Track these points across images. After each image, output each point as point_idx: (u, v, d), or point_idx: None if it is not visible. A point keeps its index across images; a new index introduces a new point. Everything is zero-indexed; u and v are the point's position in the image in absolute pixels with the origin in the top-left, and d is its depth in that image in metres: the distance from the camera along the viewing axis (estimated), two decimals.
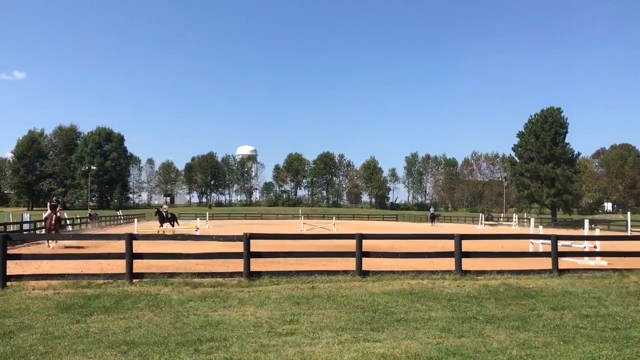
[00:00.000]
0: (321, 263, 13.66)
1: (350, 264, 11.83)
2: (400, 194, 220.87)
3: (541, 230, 19.80)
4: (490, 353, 5.82)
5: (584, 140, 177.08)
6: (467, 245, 12.53)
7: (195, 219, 44.68)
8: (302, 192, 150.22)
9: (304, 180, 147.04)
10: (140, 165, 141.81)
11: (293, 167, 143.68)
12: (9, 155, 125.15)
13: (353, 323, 7.19)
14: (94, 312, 7.79)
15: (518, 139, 68.70)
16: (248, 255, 11.07)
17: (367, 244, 11.92)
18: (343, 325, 7.06)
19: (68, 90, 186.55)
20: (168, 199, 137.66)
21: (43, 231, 22.07)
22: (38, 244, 21.00)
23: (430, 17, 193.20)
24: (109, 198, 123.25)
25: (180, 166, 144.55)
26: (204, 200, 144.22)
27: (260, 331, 6.71)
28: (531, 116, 67.46)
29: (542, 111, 66.61)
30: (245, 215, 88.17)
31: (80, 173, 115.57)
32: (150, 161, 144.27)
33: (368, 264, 11.86)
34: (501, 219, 64.13)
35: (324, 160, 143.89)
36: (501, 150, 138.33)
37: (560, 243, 13.20)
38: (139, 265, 11.22)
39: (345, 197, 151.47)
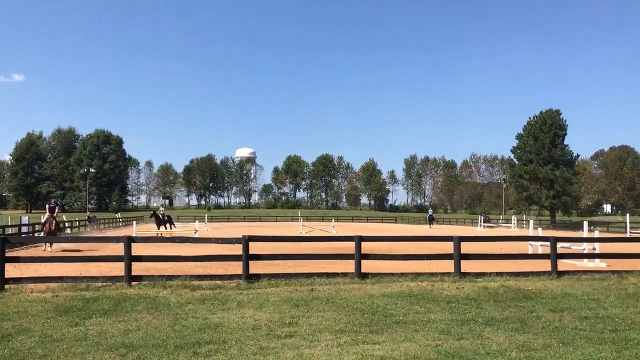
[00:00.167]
0: (320, 265, 13.65)
1: (349, 266, 11.82)
2: (399, 196, 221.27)
3: (540, 232, 19.78)
4: (490, 355, 5.81)
5: (583, 142, 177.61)
6: (466, 248, 12.52)
7: (194, 222, 44.68)
8: (301, 194, 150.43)
9: (303, 183, 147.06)
10: (139, 168, 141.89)
11: (292, 169, 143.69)
12: (7, 157, 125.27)
13: (352, 325, 7.19)
14: (93, 314, 7.78)
15: (517, 141, 68.72)
16: (247, 257, 11.06)
17: (366, 246, 11.91)
18: (342, 327, 7.06)
19: (67, 92, 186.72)
20: (166, 201, 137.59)
21: (42, 234, 21.98)
22: (36, 246, 20.95)
23: (429, 18, 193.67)
24: (107, 201, 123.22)
25: (179, 168, 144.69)
26: (202, 202, 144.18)
27: (259, 334, 6.70)
28: (530, 118, 67.51)
29: (540, 113, 66.65)
30: (244, 218, 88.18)
31: (79, 176, 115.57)
32: (149, 164, 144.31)
33: (367, 266, 11.85)
34: (500, 221, 64.17)
35: (322, 162, 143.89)
36: (500, 152, 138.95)
37: (559, 245, 13.20)
38: (137, 268, 11.20)
39: (344, 199, 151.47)
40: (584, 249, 15.62)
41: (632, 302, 9.14)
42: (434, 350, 5.95)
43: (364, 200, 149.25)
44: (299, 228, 41.13)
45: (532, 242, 17.70)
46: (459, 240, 11.94)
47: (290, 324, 7.25)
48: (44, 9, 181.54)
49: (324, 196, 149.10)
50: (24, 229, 27.42)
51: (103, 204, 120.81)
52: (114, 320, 7.45)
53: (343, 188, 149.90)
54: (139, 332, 6.75)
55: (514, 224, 51.45)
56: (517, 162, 69.05)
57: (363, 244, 11.67)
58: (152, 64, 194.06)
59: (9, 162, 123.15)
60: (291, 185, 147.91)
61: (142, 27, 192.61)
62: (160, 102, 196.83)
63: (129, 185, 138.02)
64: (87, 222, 41.97)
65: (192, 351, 5.89)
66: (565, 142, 65.42)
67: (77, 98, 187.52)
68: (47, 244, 19.62)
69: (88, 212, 55.90)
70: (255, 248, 11.68)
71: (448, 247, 12.18)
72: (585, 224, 18.69)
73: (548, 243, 13.06)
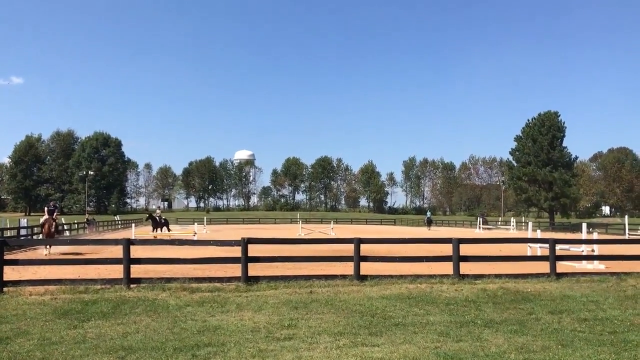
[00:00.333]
0: (319, 268, 13.63)
1: (348, 268, 11.81)
2: (398, 198, 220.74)
3: (539, 234, 19.78)
4: (489, 357, 5.81)
5: (582, 144, 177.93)
6: (465, 249, 12.53)
7: (193, 224, 44.60)
8: (300, 197, 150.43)
9: (302, 185, 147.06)
10: (138, 170, 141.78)
11: (291, 171, 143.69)
12: (6, 160, 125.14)
13: (351, 328, 7.18)
14: (92, 317, 7.76)
15: (515, 143, 68.81)
16: (246, 260, 11.06)
17: (365, 249, 11.92)
18: (341, 329, 7.05)
19: (65, 95, 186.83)
20: (165, 203, 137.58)
21: (40, 236, 21.86)
22: (35, 249, 20.91)
23: (428, 21, 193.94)
24: (106, 203, 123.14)
25: (178, 171, 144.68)
26: (201, 205, 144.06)
27: (258, 336, 6.69)
28: (528, 120, 67.60)
29: (539, 115, 66.74)
30: (243, 220, 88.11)
31: (78, 178, 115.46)
32: (148, 166, 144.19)
33: (366, 268, 11.85)
34: (499, 223, 64.23)
35: (321, 165, 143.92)
36: (499, 154, 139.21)
37: (558, 247, 13.20)
38: (136, 271, 11.19)
39: (343, 202, 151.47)
40: (582, 251, 15.62)
41: (631, 303, 9.15)
42: (433, 352, 5.95)
43: (363, 202, 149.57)
44: (298, 230, 41.09)
45: (531, 244, 17.70)
46: (457, 242, 11.95)
47: (289, 326, 7.25)
48: (43, 11, 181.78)
49: (323, 198, 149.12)
50: (23, 232, 27.38)
51: (102, 207, 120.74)
52: (112, 322, 7.44)
53: (342, 190, 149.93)
54: (137, 334, 6.75)
55: (513, 225, 51.47)
56: (515, 164, 69.14)
57: (362, 246, 11.67)
58: (150, 66, 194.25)
59: (8, 165, 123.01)
60: (290, 188, 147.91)
61: (141, 29, 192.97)
62: (159, 104, 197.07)
63: (128, 188, 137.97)
64: (86, 225, 41.91)
65: (191, 354, 5.89)
66: (564, 144, 65.57)
67: (76, 100, 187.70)
68: (46, 247, 19.42)
69: (87, 215, 55.78)
70: (254, 250, 11.68)
71: (447, 249, 12.18)
72: (584, 225, 18.69)
73: (547, 245, 13.07)
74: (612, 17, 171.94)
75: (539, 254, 16.16)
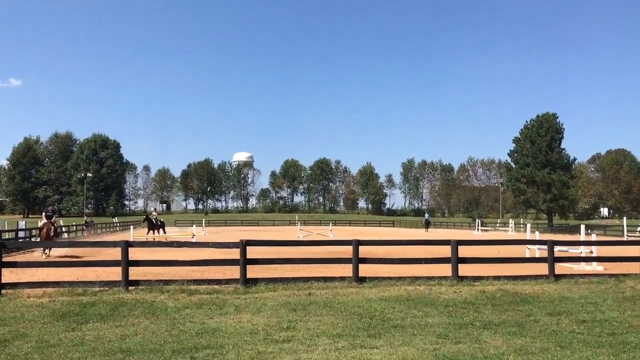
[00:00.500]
0: (318, 269, 13.62)
1: (347, 270, 11.81)
2: (396, 199, 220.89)
3: (537, 236, 19.81)
4: (487, 359, 5.82)
5: (580, 145, 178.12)
6: (464, 251, 12.53)
7: (192, 226, 44.59)
8: (298, 199, 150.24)
9: (301, 187, 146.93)
10: (136, 172, 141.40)
11: (289, 173, 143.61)
12: (4, 162, 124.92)
13: (350, 330, 7.18)
14: (90, 319, 7.75)
15: (514, 145, 68.95)
16: (244, 262, 11.05)
17: (364, 250, 11.91)
18: (340, 331, 7.05)
19: (64, 97, 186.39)
20: (164, 205, 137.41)
21: (38, 239, 21.77)
22: (33, 251, 20.86)
23: (425, 24, 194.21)
24: (104, 205, 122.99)
25: (177, 173, 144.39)
26: (200, 207, 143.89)
27: (256, 338, 6.69)
28: (527, 122, 67.75)
29: (537, 117, 66.89)
30: (242, 222, 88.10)
31: (76, 180, 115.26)
32: (146, 168, 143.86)
33: (365, 270, 11.84)
34: (497, 225, 64.26)
35: (320, 167, 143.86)
36: (497, 156, 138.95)
37: (556, 248, 13.21)
38: (134, 273, 11.18)
39: (341, 203, 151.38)
40: (581, 253, 15.64)
41: (629, 305, 9.15)
42: (431, 354, 5.95)
43: (362, 204, 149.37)
44: (296, 232, 41.09)
45: (529, 246, 17.72)
46: (456, 243, 11.95)
47: (287, 328, 7.24)
48: (42, 13, 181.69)
49: (321, 200, 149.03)
50: (21, 234, 27.33)
51: (100, 209, 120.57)
52: (111, 325, 7.43)
53: (340, 192, 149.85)
54: (136, 337, 6.74)
55: (512, 227, 51.51)
56: (514, 166, 69.28)
57: (360, 247, 11.66)
58: (149, 68, 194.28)
59: (6, 167, 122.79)
60: (289, 190, 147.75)
61: (139, 31, 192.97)
62: (157, 106, 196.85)
63: (127, 190, 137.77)
64: (85, 227, 41.88)
65: (190, 356, 5.88)
66: (562, 146, 65.79)
67: (74, 102, 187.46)
68: (45, 249, 19.28)
69: (85, 217, 55.73)
70: (252, 252, 11.66)
71: (445, 251, 12.18)
72: (583, 227, 18.72)
73: (545, 246, 13.07)
74: (610, 20, 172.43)
75: (537, 255, 16.17)
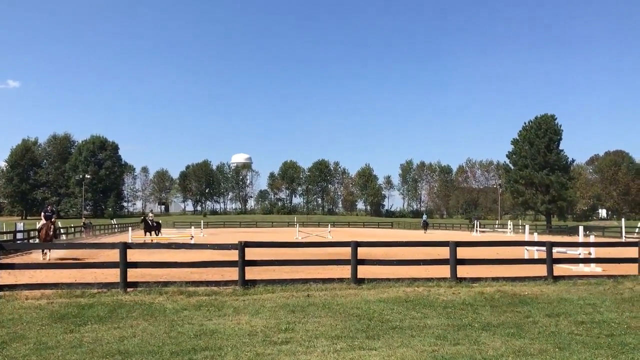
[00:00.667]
0: (316, 271, 13.63)
1: (345, 271, 11.80)
2: (395, 201, 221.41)
3: (536, 237, 19.82)
4: None
5: (578, 147, 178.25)
6: (462, 253, 12.53)
7: (190, 228, 44.57)
8: (297, 200, 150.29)
9: (299, 188, 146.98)
10: (135, 174, 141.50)
11: (288, 174, 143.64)
12: (2, 164, 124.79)
13: (348, 331, 7.17)
14: (88, 321, 7.74)
15: (512, 146, 69.04)
16: (243, 263, 11.04)
17: (363, 252, 11.91)
18: (338, 333, 7.04)
19: (62, 98, 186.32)
20: (162, 207, 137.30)
21: (37, 241, 21.59)
22: (30, 253, 20.76)
23: (424, 25, 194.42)
24: (103, 207, 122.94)
25: (175, 174, 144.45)
26: (198, 208, 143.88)
27: (255, 340, 6.68)
28: (525, 123, 67.84)
29: (536, 118, 66.99)
30: (240, 224, 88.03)
31: (75, 182, 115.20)
32: (145, 169, 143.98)
33: (363, 271, 11.84)
34: (496, 226, 64.29)
35: (319, 168, 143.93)
36: (496, 158, 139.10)
37: (555, 250, 13.21)
38: (133, 274, 11.17)
39: (340, 205, 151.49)
40: (579, 254, 15.65)
41: (627, 306, 9.16)
42: (430, 356, 5.95)
43: (360, 205, 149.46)
44: (295, 234, 41.05)
45: (528, 247, 17.74)
46: (455, 245, 11.95)
47: (286, 330, 7.23)
48: (40, 14, 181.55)
49: (320, 202, 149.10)
50: (19, 236, 27.29)
51: (99, 210, 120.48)
52: (109, 327, 7.41)
53: (339, 193, 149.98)
54: (134, 338, 6.73)
55: (510, 228, 51.54)
56: (512, 167, 69.35)
57: (359, 249, 11.66)
58: (147, 70, 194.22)
59: (4, 169, 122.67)
60: (287, 191, 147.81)
61: (138, 33, 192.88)
62: (156, 108, 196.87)
63: (125, 192, 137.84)
64: (83, 229, 41.80)
65: (188, 358, 5.87)
66: (561, 147, 65.88)
67: (72, 104, 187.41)
68: (43, 252, 18.91)
69: (83, 219, 55.64)
70: (251, 254, 11.67)
71: (444, 253, 12.18)
72: (581, 228, 18.75)
73: (544, 248, 13.08)
74: (608, 21, 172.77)
75: (536, 257, 16.18)
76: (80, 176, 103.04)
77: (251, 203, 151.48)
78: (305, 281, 11.31)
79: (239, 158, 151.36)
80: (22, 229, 30.22)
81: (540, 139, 64.54)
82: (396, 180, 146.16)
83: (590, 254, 15.31)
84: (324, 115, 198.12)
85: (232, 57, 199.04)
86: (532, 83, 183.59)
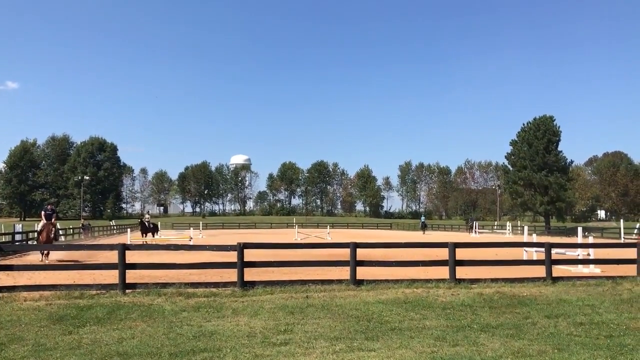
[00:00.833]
0: (315, 272, 13.62)
1: (344, 273, 11.80)
2: (394, 202, 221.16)
3: (535, 238, 19.82)
4: None
5: (577, 148, 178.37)
6: (461, 254, 12.53)
7: (189, 229, 44.56)
8: (296, 201, 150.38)
9: (298, 189, 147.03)
10: (134, 175, 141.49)
11: (287, 176, 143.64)
12: (1, 165, 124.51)
13: (347, 332, 7.17)
14: (87, 323, 7.73)
15: (511, 147, 69.03)
16: (242, 264, 11.03)
17: (361, 253, 11.90)
18: (337, 334, 7.04)
19: (61, 100, 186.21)
20: (161, 208, 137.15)
21: (36, 242, 21.33)
22: (28, 254, 20.71)
23: (423, 27, 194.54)
24: (102, 208, 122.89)
25: (174, 176, 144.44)
26: (197, 209, 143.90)
27: (254, 341, 6.67)
28: (524, 124, 67.83)
29: (534, 119, 66.98)
30: (239, 225, 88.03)
31: (73, 183, 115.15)
32: (144, 171, 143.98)
33: (362, 272, 11.83)
34: (495, 227, 64.28)
35: (318, 169, 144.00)
36: (494, 159, 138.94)
37: (554, 251, 13.21)
38: (131, 276, 11.15)
39: (339, 206, 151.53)
40: (578, 255, 15.66)
41: (626, 307, 9.16)
42: (429, 357, 5.95)
43: (359, 206, 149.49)
44: (294, 235, 41.04)
45: (526, 248, 17.74)
46: (453, 246, 11.94)
47: (285, 331, 7.23)
48: (39, 16, 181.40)
49: (319, 203, 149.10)
50: (18, 237, 27.25)
51: (97, 212, 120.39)
52: (108, 328, 7.40)
53: (338, 195, 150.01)
54: (133, 340, 6.72)
55: (509, 230, 51.56)
56: (511, 169, 69.35)
57: (358, 250, 11.65)
58: (146, 71, 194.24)
59: (3, 170, 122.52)
60: (286, 192, 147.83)
61: (137, 35, 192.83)
62: (155, 109, 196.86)
63: (124, 193, 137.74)
64: (81, 230, 41.74)
65: (187, 359, 5.87)
66: (559, 149, 65.83)
67: (71, 105, 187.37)
68: (44, 253, 18.34)
69: (82, 220, 55.58)
70: (250, 255, 11.65)
71: (443, 254, 12.18)
72: (580, 229, 18.77)
73: (543, 249, 13.08)
74: (607, 23, 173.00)
75: (534, 258, 16.18)
76: (79, 177, 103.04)
77: (250, 204, 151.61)
78: (304, 282, 11.30)
79: (238, 159, 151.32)
80: (20, 231, 30.19)
81: (539, 140, 64.55)
82: (395, 181, 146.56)
83: (589, 255, 15.31)
84: (323, 116, 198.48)
85: (231, 58, 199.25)
86: (531, 84, 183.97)
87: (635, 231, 44.18)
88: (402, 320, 8.00)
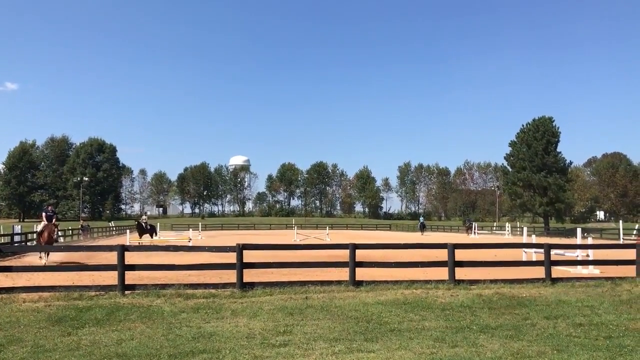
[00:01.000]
0: (314, 273, 13.62)
1: (343, 274, 11.80)
2: (393, 203, 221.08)
3: (534, 239, 19.84)
4: None
5: (576, 149, 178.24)
6: (460, 255, 12.53)
7: (188, 230, 44.54)
8: (295, 202, 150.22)
9: (297, 190, 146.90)
10: (133, 176, 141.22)
11: (286, 177, 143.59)
12: (0, 166, 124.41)
13: (347, 333, 7.17)
14: (86, 324, 7.72)
15: (510, 148, 69.10)
16: (241, 266, 11.02)
17: (361, 254, 11.90)
18: (337, 335, 7.04)
19: (60, 101, 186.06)
20: (160, 209, 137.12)
21: (34, 243, 21.24)
22: (26, 255, 20.67)
23: (422, 28, 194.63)
24: (101, 209, 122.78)
25: (173, 177, 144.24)
26: (196, 210, 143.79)
27: (253, 342, 6.67)
28: (523, 125, 67.89)
29: (533, 120, 67.05)
30: (239, 226, 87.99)
31: (72, 184, 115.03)
32: (143, 172, 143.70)
33: (361, 273, 11.83)
34: (494, 228, 64.32)
35: (317, 170, 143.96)
36: (493, 160, 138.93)
37: (553, 252, 13.22)
38: (130, 277, 11.13)
39: (338, 207, 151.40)
40: (577, 256, 15.67)
41: (625, 308, 9.16)
42: (428, 358, 5.95)
43: (359, 208, 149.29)
44: (293, 236, 41.04)
45: (526, 249, 17.75)
46: (453, 247, 11.95)
47: (284, 332, 7.23)
48: (38, 17, 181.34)
49: (318, 204, 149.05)
50: (17, 238, 27.23)
51: (96, 213, 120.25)
52: (107, 329, 7.40)
53: (337, 196, 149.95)
54: (132, 341, 6.71)
55: (508, 231, 51.59)
56: (510, 170, 69.40)
57: (357, 251, 11.65)
58: (145, 72, 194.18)
59: (2, 171, 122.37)
60: (285, 193, 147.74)
61: (137, 35, 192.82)
62: (154, 110, 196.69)
63: (123, 194, 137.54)
64: (80, 231, 41.75)
65: None
66: (558, 149, 65.90)
67: (70, 106, 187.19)
68: (44, 255, 18.13)
69: (81, 221, 55.53)
70: (249, 256, 11.65)
71: (442, 255, 12.18)
72: (579, 230, 18.78)
73: (542, 250, 13.08)
74: (607, 24, 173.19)
75: (534, 259, 16.18)
76: (78, 179, 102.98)
77: (249, 205, 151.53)
78: (303, 283, 11.30)
79: (237, 160, 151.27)
80: (19, 232, 30.16)
81: (538, 141, 64.61)
82: (394, 182, 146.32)
83: (588, 255, 15.32)
84: (322, 117, 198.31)
85: (231, 58, 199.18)
86: (530, 85, 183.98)
87: (634, 232, 44.22)
88: (401, 321, 8.00)
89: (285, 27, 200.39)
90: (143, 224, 33.09)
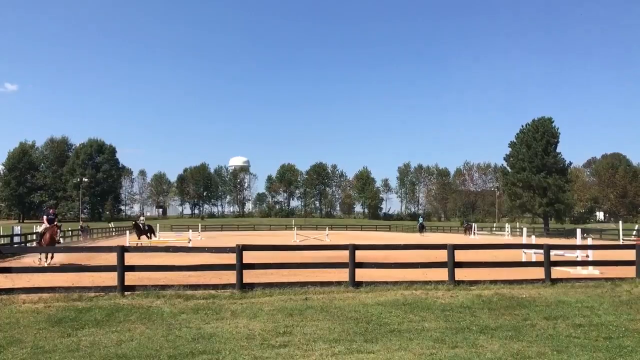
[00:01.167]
0: (314, 274, 13.61)
1: (343, 274, 11.79)
2: (393, 204, 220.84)
3: (534, 240, 19.83)
4: None
5: (575, 149, 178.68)
6: (460, 256, 12.53)
7: (188, 231, 44.51)
8: (295, 203, 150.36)
9: (297, 191, 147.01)
10: (132, 177, 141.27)
11: (286, 177, 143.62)
12: (0, 167, 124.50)
13: (346, 334, 7.16)
14: (85, 325, 7.72)
15: (510, 149, 69.03)
16: (241, 266, 11.02)
17: (360, 255, 11.90)
18: (336, 336, 7.03)
19: (60, 102, 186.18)
20: (160, 210, 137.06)
21: (36, 244, 21.06)
22: (24, 257, 20.65)
23: (422, 29, 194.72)
24: (100, 210, 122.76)
25: (173, 178, 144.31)
26: (196, 211, 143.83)
27: (253, 343, 6.66)
28: (523, 126, 67.81)
29: (533, 121, 66.98)
30: (238, 227, 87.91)
31: (72, 185, 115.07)
32: (142, 173, 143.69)
33: (361, 274, 11.83)
34: (494, 229, 64.31)
35: (316, 171, 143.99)
36: (493, 160, 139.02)
37: (552, 252, 13.22)
38: (130, 278, 11.13)
39: (338, 208, 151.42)
40: (577, 257, 15.67)
41: (625, 309, 9.16)
42: (428, 359, 5.95)
43: (358, 208, 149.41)
44: (293, 237, 41.03)
45: (525, 250, 17.73)
46: (452, 248, 11.95)
47: (284, 333, 7.22)
48: (38, 17, 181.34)
49: (317, 205, 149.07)
50: (16, 239, 27.22)
51: (96, 214, 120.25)
52: (106, 330, 7.40)
53: (337, 196, 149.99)
54: (132, 342, 6.71)
55: (508, 231, 51.57)
56: (510, 170, 69.30)
57: (357, 252, 11.65)
58: (145, 73, 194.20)
59: (2, 172, 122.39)
60: (285, 194, 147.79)
61: (137, 35, 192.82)
62: (153, 111, 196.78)
63: (122, 195, 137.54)
64: (80, 232, 41.76)
65: None
66: (558, 150, 65.77)
67: (70, 107, 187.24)
68: (45, 256, 18.04)
69: (81, 222, 55.64)
70: (249, 257, 11.65)
71: (442, 255, 12.18)
72: (579, 231, 18.76)
73: (541, 251, 13.08)
74: (606, 25, 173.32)
75: (533, 259, 16.17)
76: (78, 179, 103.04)
77: (249, 206, 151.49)
78: (303, 284, 11.30)
79: (236, 161, 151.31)
80: (19, 233, 30.13)
81: (538, 142, 64.55)
82: (394, 183, 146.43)
83: (587, 256, 15.32)
84: (322, 117, 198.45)
85: (231, 58, 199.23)
86: (530, 86, 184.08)
87: (634, 232, 44.24)
88: (401, 322, 8.00)
89: (285, 27, 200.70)
90: (140, 224, 33.16)
